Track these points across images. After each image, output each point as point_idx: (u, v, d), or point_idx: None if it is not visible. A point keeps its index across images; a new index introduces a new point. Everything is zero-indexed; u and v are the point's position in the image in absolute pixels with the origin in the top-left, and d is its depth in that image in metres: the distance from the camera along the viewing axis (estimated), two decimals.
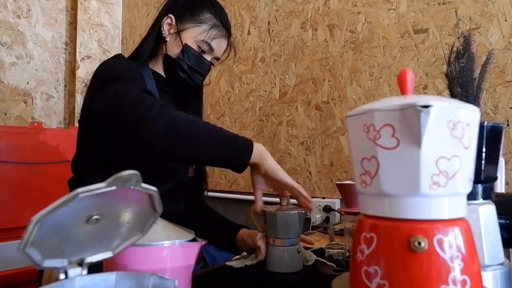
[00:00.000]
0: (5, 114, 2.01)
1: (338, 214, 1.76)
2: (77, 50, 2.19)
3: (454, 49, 0.93)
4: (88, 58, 2.21)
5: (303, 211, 0.90)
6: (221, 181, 2.25)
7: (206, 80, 2.34)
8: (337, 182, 1.39)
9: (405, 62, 1.67)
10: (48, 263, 0.38)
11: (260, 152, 0.82)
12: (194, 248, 0.49)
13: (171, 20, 1.07)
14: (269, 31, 2.09)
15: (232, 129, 2.22)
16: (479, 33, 1.51)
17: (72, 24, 2.24)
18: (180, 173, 1.06)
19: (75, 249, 0.40)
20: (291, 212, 0.87)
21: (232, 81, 2.23)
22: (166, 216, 0.51)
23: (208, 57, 1.07)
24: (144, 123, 0.75)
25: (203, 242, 0.50)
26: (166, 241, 0.47)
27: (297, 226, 0.89)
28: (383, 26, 1.74)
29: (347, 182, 1.41)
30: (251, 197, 2.06)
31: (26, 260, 0.35)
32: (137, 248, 0.46)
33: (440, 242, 0.33)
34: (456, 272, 0.33)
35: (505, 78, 1.48)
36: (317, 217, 1.83)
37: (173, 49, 1.05)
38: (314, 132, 1.91)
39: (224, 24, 1.09)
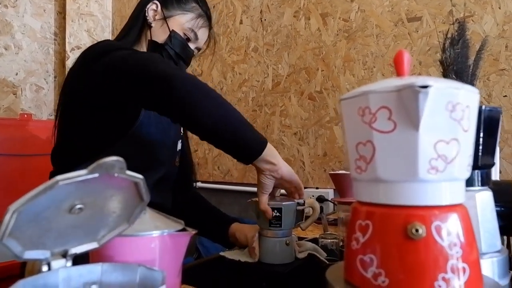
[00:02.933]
0: None
1: (331, 204, 1.76)
2: (67, 40, 2.15)
3: (449, 35, 0.92)
4: (78, 49, 2.17)
5: (295, 201, 0.89)
6: (214, 172, 2.23)
7: (198, 70, 2.32)
8: (330, 172, 1.38)
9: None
10: (29, 254, 0.36)
11: (273, 153, 0.81)
12: (184, 239, 0.47)
13: (157, 6, 1.06)
14: (261, 20, 2.06)
15: None
16: (472, 20, 1.50)
17: (61, 13, 2.19)
18: (166, 163, 1.05)
19: (58, 240, 0.38)
20: (284, 202, 0.86)
21: (225, 71, 2.21)
22: (153, 207, 0.49)
23: (192, 46, 1.08)
24: (176, 77, 0.73)
25: (193, 232, 0.48)
26: (155, 231, 0.46)
27: (291, 217, 0.88)
28: (376, 14, 1.72)
29: (340, 172, 1.40)
30: (245, 188, 2.05)
31: (10, 254, 0.34)
32: (124, 239, 0.44)
33: (438, 229, 0.32)
34: (455, 260, 0.32)
35: (499, 66, 1.47)
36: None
37: (159, 35, 1.04)
38: (307, 122, 1.90)
39: (208, 15, 1.10)
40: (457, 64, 0.91)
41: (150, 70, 0.76)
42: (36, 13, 2.11)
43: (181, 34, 1.04)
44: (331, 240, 1.10)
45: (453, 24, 0.80)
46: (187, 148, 1.19)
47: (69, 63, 2.14)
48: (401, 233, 0.32)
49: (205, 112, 0.75)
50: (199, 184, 2.19)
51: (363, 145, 0.35)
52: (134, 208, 0.41)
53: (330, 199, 1.74)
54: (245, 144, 0.78)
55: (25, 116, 1.81)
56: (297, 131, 1.93)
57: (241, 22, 2.14)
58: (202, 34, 1.08)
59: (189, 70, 2.36)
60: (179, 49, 1.04)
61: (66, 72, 2.15)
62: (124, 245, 0.44)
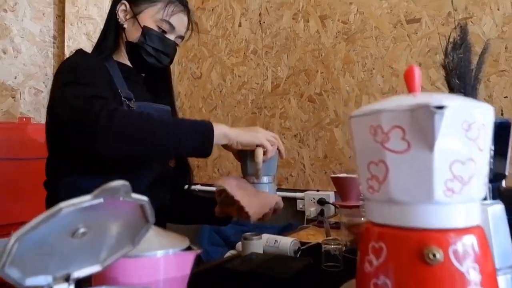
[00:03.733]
0: None
1: (332, 207, 1.75)
2: (66, 43, 2.13)
3: (451, 39, 0.91)
4: None
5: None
6: (214, 175, 2.22)
7: (197, 73, 2.30)
8: (332, 175, 1.37)
9: (398, 52, 1.65)
10: (31, 281, 0.35)
11: (223, 133, 0.83)
12: (189, 257, 0.46)
13: (125, 6, 1.02)
14: (260, 23, 2.05)
15: (224, 122, 2.19)
16: (472, 22, 1.49)
17: (60, 17, 2.17)
18: (159, 164, 1.03)
19: (60, 264, 0.37)
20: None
21: (224, 73, 2.19)
22: None
23: (171, 36, 1.03)
24: (95, 134, 0.75)
25: (198, 251, 0.47)
26: (159, 250, 0.44)
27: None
28: (375, 16, 1.71)
29: (342, 175, 1.39)
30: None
31: None
32: (127, 260, 0.43)
33: (456, 254, 0.31)
34: (474, 285, 0.31)
35: (499, 67, 1.46)
36: (311, 210, 1.82)
37: (133, 34, 1.01)
38: (307, 124, 1.89)
39: (179, 0, 1.03)
40: (459, 68, 0.90)
41: (76, 128, 0.80)
42: (35, 16, 2.09)
43: (155, 28, 1.00)
44: (334, 246, 1.09)
45: (455, 28, 0.79)
46: None
47: None
48: (417, 257, 0.31)
49: (136, 151, 0.79)
50: (198, 187, 2.18)
51: (375, 165, 0.34)
52: (139, 229, 0.40)
53: (331, 202, 1.74)
54: (190, 152, 0.84)
55: (24, 119, 1.78)
56: (297, 133, 1.92)
57: (240, 25, 2.13)
58: (178, 21, 1.02)
59: (188, 73, 2.36)
60: (155, 44, 1.00)
61: None
62: (128, 266, 0.43)
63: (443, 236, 0.31)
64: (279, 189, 1.96)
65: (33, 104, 2.08)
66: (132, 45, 1.01)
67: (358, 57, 1.75)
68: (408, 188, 0.32)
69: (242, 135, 0.84)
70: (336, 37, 1.81)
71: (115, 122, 0.75)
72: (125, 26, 1.02)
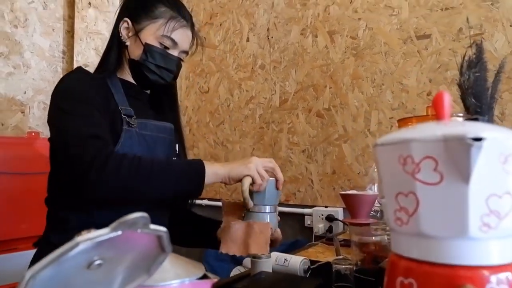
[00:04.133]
0: (2, 125, 1.96)
1: (341, 223, 1.72)
2: (75, 58, 2.14)
3: (466, 57, 0.89)
4: (86, 67, 2.15)
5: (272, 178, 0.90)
6: (221, 190, 2.20)
7: (205, 87, 2.31)
8: (341, 192, 1.35)
9: (408, 68, 1.64)
10: None
11: (214, 173, 0.84)
12: (205, 286, 0.44)
13: (128, 24, 1.01)
14: (268, 38, 2.05)
15: (232, 136, 2.18)
16: (483, 38, 1.48)
17: (69, 32, 2.19)
18: None
19: None
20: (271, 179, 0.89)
21: (232, 88, 2.19)
22: None
23: (174, 52, 1.01)
24: (86, 182, 0.77)
25: (215, 280, 0.46)
26: (175, 280, 0.43)
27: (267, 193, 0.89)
28: (384, 32, 1.71)
29: (351, 192, 1.37)
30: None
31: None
32: None
33: None
34: None
35: (511, 84, 1.45)
36: (319, 226, 1.79)
37: (135, 52, 1.00)
38: (315, 139, 1.87)
39: (182, 15, 1.02)
40: (475, 87, 0.89)
41: (67, 172, 0.83)
42: (45, 32, 2.12)
43: (157, 44, 0.98)
44: (345, 266, 1.06)
45: (470, 46, 0.78)
46: None
47: None
48: None
49: (130, 198, 0.83)
50: (205, 202, 2.17)
51: (404, 196, 0.33)
52: (155, 258, 0.38)
53: (340, 219, 1.71)
54: (183, 195, 0.90)
55: (33, 134, 1.79)
56: (305, 149, 1.91)
57: (248, 40, 2.13)
58: (180, 36, 1.01)
59: (195, 87, 2.36)
60: (157, 61, 0.98)
61: None
62: None
63: (478, 273, 0.30)
64: (287, 205, 1.94)
65: (42, 119, 2.10)
66: (134, 63, 1.01)
67: (367, 72, 1.74)
68: (440, 222, 0.31)
69: (232, 170, 0.85)
70: (345, 52, 1.81)
71: (108, 171, 0.77)
72: (127, 43, 1.02)
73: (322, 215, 1.80)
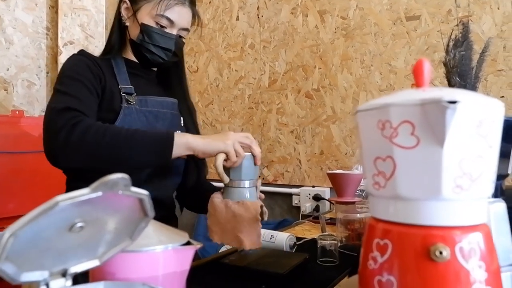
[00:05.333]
0: None
1: (328, 203, 1.75)
2: (59, 35, 2.09)
3: (452, 36, 0.90)
4: (71, 44, 2.11)
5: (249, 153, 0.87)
6: (210, 170, 2.20)
7: (194, 67, 2.28)
8: (328, 172, 1.37)
9: (397, 49, 1.64)
10: (26, 276, 0.34)
11: (185, 144, 0.83)
12: (189, 253, 0.45)
13: (127, 4, 1.02)
14: (258, 17, 2.03)
15: (221, 117, 2.18)
16: (471, 20, 1.49)
17: (53, 8, 2.13)
18: None
19: (57, 259, 0.36)
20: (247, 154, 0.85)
21: (221, 68, 2.18)
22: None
23: (172, 31, 1.01)
24: (53, 149, 0.81)
25: (198, 246, 0.46)
26: (158, 245, 0.43)
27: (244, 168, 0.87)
28: (375, 12, 1.70)
29: (338, 171, 1.39)
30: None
31: None
32: (126, 255, 0.42)
33: (463, 251, 0.30)
34: (479, 283, 0.30)
35: (497, 66, 1.46)
36: (307, 205, 1.82)
37: (134, 32, 1.01)
38: (304, 120, 1.88)
39: None
40: (461, 66, 0.90)
41: (44, 139, 0.84)
42: (28, 7, 2.05)
43: (153, 24, 0.99)
44: (330, 242, 1.08)
45: (456, 25, 0.78)
46: None
47: (62, 58, 2.09)
48: (423, 255, 0.30)
49: (96, 163, 0.82)
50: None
51: (382, 160, 0.33)
52: (138, 223, 0.39)
53: (327, 198, 1.73)
54: (149, 163, 0.87)
55: (17, 112, 1.76)
56: (293, 129, 1.91)
57: (237, 19, 2.11)
58: (177, 14, 1.00)
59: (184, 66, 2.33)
60: (154, 40, 0.99)
61: (59, 68, 2.10)
62: (126, 262, 0.42)
63: (450, 233, 0.31)
64: (275, 185, 1.96)
65: (26, 97, 2.05)
66: (134, 43, 1.02)
67: (357, 53, 1.74)
68: (416, 184, 0.31)
69: (207, 144, 0.83)
70: (335, 32, 1.80)
71: (73, 139, 0.79)
72: (127, 24, 1.03)
73: (310, 194, 1.82)
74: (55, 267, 0.36)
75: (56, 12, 2.10)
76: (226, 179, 0.83)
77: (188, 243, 0.46)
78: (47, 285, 0.36)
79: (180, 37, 1.04)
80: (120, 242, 0.40)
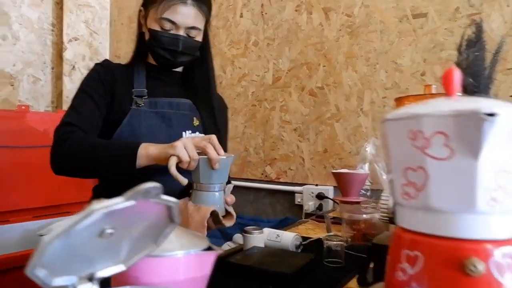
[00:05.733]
0: None
1: (330, 202, 1.75)
2: (64, 31, 2.09)
3: (465, 37, 0.90)
4: (76, 40, 2.12)
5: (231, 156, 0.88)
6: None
7: None
8: (333, 171, 1.37)
9: (403, 47, 1.64)
10: (57, 281, 0.34)
11: (146, 155, 0.88)
12: (210, 258, 0.45)
13: (142, 12, 1.07)
14: (262, 14, 2.02)
15: None
16: (481, 18, 1.48)
17: (59, 4, 2.13)
18: None
19: (85, 264, 0.36)
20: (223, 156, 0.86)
21: (224, 65, 2.17)
22: None
23: (178, 31, 1.01)
24: (51, 158, 0.95)
25: (220, 251, 0.46)
26: (180, 251, 0.43)
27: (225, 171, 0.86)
28: (380, 10, 1.69)
29: (343, 170, 1.39)
30: (242, 183, 2.00)
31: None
32: (150, 259, 0.42)
33: (499, 265, 0.30)
34: None
35: (506, 65, 1.46)
36: (310, 204, 1.81)
37: (147, 37, 1.06)
38: (307, 118, 1.88)
39: None
40: (474, 66, 0.90)
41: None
42: (33, 3, 2.05)
43: (157, 28, 1.00)
44: (336, 242, 1.09)
45: (469, 25, 0.77)
46: None
47: (67, 54, 2.09)
48: (456, 268, 0.30)
49: (76, 172, 0.97)
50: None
51: (413, 171, 0.33)
52: (163, 229, 0.39)
53: (331, 198, 1.73)
54: (118, 173, 0.91)
55: (23, 107, 1.77)
56: (297, 127, 1.91)
57: (241, 16, 2.10)
58: (179, 15, 1.00)
59: None
60: (162, 44, 1.01)
61: (63, 63, 2.10)
62: (150, 266, 0.42)
63: (484, 247, 0.31)
64: (278, 183, 1.95)
65: (31, 92, 2.06)
66: (148, 48, 1.07)
67: (362, 51, 1.73)
68: (449, 196, 0.31)
69: (159, 150, 0.87)
70: (340, 30, 1.79)
71: (62, 152, 0.93)
72: (144, 31, 1.08)
73: (313, 193, 1.82)
74: (83, 271, 0.36)
75: (61, 8, 2.11)
76: (183, 180, 0.82)
77: (209, 248, 0.46)
78: None
79: (190, 36, 1.03)
80: (145, 247, 0.40)
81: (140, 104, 1.01)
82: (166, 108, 1.05)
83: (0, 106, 1.96)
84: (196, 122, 1.10)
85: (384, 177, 1.21)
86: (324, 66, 1.83)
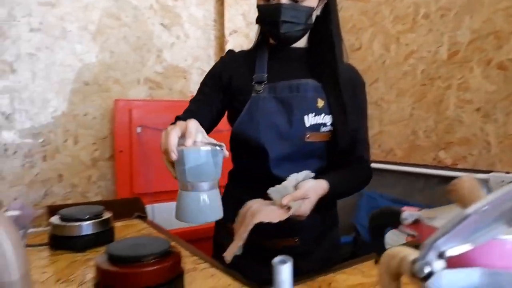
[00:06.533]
0: (170, 90, 2.16)
1: None
2: (225, 25, 2.25)
3: None
4: (235, 32, 2.26)
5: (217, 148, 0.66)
6: (374, 151, 2.10)
7: (356, 45, 2.19)
8: None
9: None
10: None
11: None
12: None
13: None
14: None
15: (387, 95, 2.05)
16: None
17: (219, 1, 2.29)
18: (286, 140, 0.97)
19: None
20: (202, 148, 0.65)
21: (388, 43, 2.03)
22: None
23: (283, 0, 0.92)
24: None
25: None
26: None
27: (210, 166, 0.66)
28: None
29: None
30: (410, 169, 1.86)
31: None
32: (493, 242, 0.36)
33: None
34: None
35: None
36: None
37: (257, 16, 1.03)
38: (494, 96, 1.64)
39: None
40: None
41: None
42: (199, 2, 2.24)
43: (262, 2, 0.96)
44: None
45: None
46: (339, 124, 1.01)
47: (228, 46, 2.21)
48: None
49: None
50: None
51: None
52: None
53: None
54: None
55: None
56: (480, 107, 1.69)
57: None
58: None
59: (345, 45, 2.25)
60: (264, 16, 0.97)
61: None
62: (492, 249, 0.36)
63: None
64: (455, 169, 1.76)
65: (199, 84, 2.24)
66: (261, 28, 1.05)
67: None
68: None
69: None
70: None
71: None
72: None
73: (503, 181, 1.59)
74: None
75: (222, 4, 2.27)
76: (172, 173, 0.69)
77: None
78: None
79: (296, 2, 0.92)
80: (495, 227, 0.34)
81: (259, 90, 0.97)
82: (286, 91, 0.97)
83: (176, 97, 2.18)
84: (320, 104, 0.99)
85: None
86: None
